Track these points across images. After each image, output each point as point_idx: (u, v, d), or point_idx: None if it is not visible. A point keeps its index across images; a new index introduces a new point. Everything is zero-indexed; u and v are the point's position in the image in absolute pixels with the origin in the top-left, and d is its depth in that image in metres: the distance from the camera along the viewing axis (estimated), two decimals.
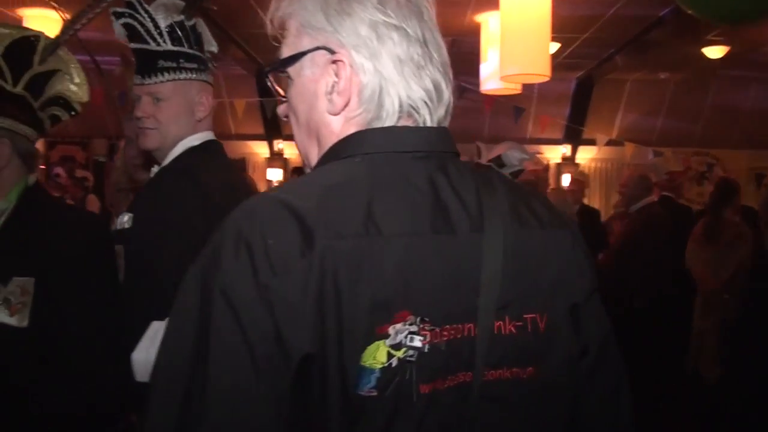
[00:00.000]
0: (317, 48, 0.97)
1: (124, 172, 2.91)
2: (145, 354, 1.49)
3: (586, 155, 10.34)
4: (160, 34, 1.86)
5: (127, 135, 2.71)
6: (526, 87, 6.32)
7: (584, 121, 9.60)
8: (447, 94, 0.99)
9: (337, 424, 0.82)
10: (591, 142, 9.43)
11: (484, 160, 4.13)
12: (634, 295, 4.59)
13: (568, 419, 1.00)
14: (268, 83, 1.07)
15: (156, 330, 1.52)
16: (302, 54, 0.98)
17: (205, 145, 1.94)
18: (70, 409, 1.53)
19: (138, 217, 1.77)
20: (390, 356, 0.84)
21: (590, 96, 9.47)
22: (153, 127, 1.91)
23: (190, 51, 1.92)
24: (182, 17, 1.87)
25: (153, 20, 1.86)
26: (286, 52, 1.01)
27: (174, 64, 1.89)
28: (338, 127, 0.97)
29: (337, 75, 0.95)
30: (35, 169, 1.74)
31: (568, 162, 10.24)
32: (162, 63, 1.87)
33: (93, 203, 7.18)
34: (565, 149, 10.29)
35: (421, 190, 0.92)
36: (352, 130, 0.96)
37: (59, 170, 7.97)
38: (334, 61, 0.95)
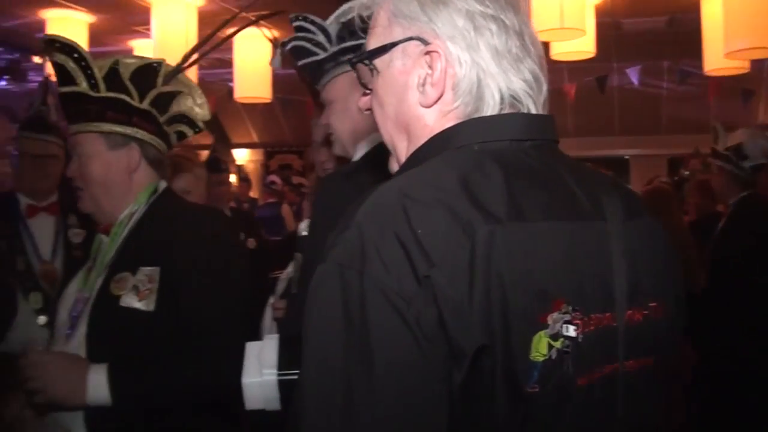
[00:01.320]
0: (410, 38, 0.94)
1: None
2: (258, 378, 1.39)
3: None
4: (329, 39, 1.80)
5: (314, 140, 2.66)
6: (755, 65, 5.64)
7: None
8: (545, 86, 0.97)
9: (506, 425, 0.78)
10: None
11: (721, 147, 3.66)
12: None
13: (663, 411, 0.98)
14: (355, 75, 1.04)
15: (260, 349, 1.43)
16: (393, 44, 0.95)
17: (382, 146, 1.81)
18: (195, 388, 1.68)
19: (312, 224, 1.74)
20: (550, 348, 0.80)
21: None
22: (332, 132, 1.86)
23: (350, 44, 1.76)
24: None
25: (324, 31, 1.80)
26: (374, 42, 0.99)
27: (333, 62, 1.81)
28: (432, 120, 0.95)
29: (430, 66, 0.93)
30: (166, 176, 1.94)
31: None
32: (325, 65, 1.81)
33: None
34: None
35: (547, 177, 0.89)
36: (450, 123, 0.93)
37: (274, 178, 8.52)
38: (428, 52, 0.92)
